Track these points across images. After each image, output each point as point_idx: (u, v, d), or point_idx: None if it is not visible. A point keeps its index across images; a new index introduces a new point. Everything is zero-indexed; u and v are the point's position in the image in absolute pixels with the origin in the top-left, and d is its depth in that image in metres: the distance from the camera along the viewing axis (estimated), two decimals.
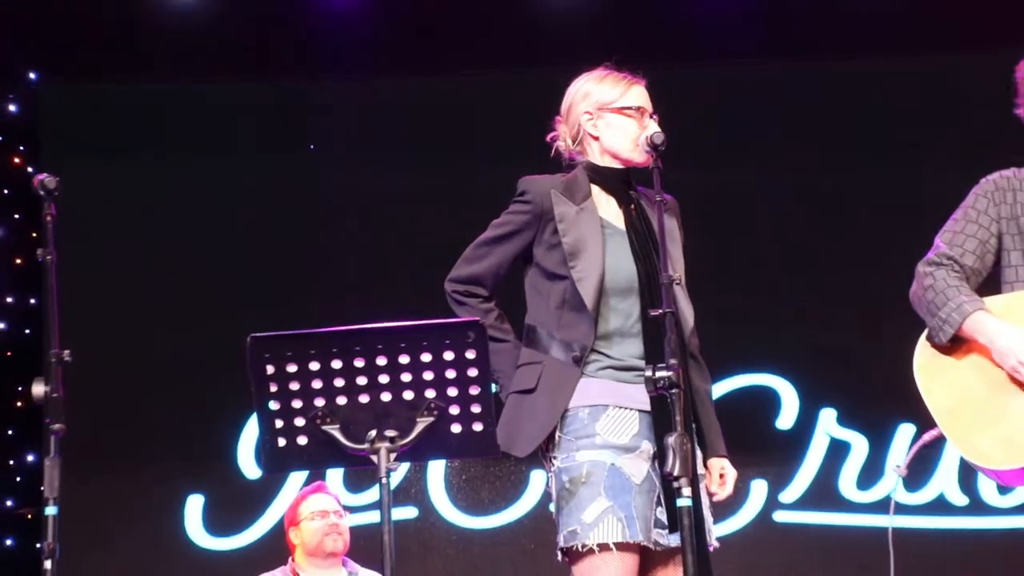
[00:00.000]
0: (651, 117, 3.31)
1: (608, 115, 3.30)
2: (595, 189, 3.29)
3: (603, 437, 3.13)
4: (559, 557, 3.18)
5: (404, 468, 5.80)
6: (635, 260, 3.20)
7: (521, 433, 3.17)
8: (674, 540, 3.06)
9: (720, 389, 5.86)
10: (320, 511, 4.97)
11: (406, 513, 5.87)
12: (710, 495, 3.24)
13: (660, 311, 2.94)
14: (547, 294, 3.24)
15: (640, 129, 3.26)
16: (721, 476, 3.24)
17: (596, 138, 3.32)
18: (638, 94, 3.31)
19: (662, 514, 3.12)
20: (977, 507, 5.80)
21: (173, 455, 5.79)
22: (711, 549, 3.15)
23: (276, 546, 5.21)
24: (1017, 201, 3.30)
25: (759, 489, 5.85)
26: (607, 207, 3.29)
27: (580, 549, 3.09)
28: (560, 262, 3.21)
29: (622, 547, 3.07)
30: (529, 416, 3.16)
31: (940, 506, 5.81)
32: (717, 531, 3.28)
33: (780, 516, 5.89)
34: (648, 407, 3.12)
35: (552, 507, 3.20)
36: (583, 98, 3.33)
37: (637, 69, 3.36)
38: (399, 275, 5.79)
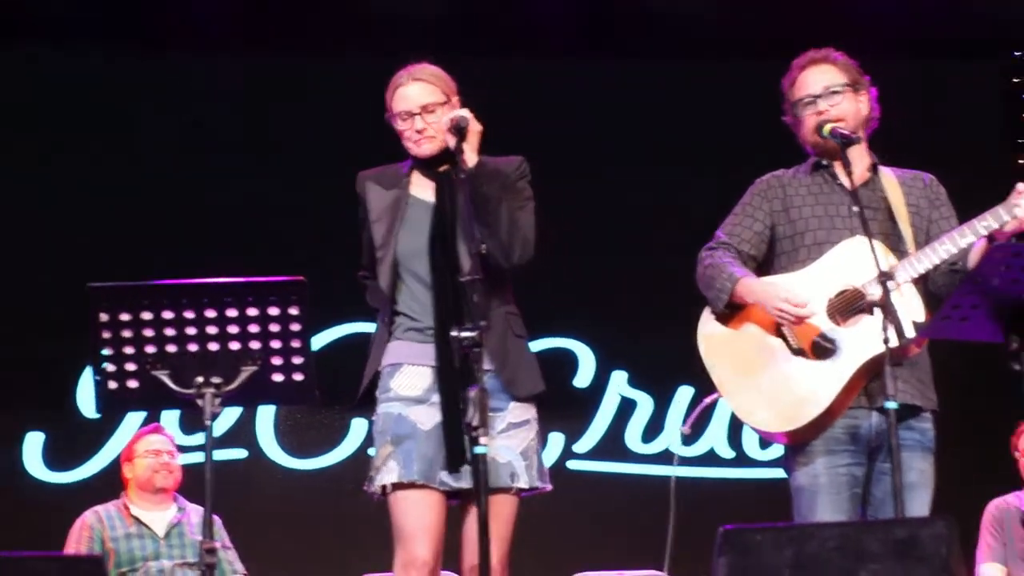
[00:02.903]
0: (426, 112, 3.19)
1: (393, 119, 3.30)
2: (416, 175, 3.31)
3: (396, 391, 3.21)
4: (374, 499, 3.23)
5: (236, 412, 5.66)
6: (432, 232, 3.21)
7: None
8: (463, 481, 3.10)
9: None
10: (154, 450, 4.87)
11: (236, 454, 5.73)
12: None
13: (468, 277, 2.97)
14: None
15: (407, 129, 3.22)
16: None
17: None
18: (401, 98, 3.24)
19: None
20: (742, 460, 5.94)
21: (14, 394, 5.53)
22: (547, 489, 3.21)
23: (112, 480, 5.06)
24: (787, 195, 3.40)
25: (556, 441, 5.88)
26: (425, 189, 3.30)
27: (377, 490, 3.18)
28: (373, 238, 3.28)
29: (400, 487, 3.12)
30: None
31: (711, 459, 5.92)
32: None
33: (574, 464, 5.94)
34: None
35: None
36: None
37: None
38: (241, 236, 5.63)
